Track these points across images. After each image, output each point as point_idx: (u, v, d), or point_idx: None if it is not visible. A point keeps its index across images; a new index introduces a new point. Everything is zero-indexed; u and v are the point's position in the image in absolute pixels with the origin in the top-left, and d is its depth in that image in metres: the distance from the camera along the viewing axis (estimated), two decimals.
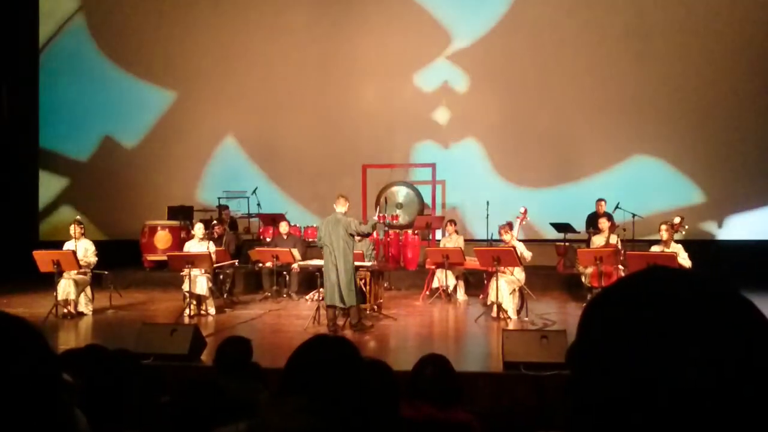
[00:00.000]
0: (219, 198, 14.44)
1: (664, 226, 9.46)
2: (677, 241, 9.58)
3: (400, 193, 14.26)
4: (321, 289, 10.09)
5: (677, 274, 0.85)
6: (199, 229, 10.71)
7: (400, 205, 14.09)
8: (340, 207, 8.92)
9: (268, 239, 12.80)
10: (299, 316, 9.90)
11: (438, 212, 14.36)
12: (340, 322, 8.89)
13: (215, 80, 15.57)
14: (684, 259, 9.15)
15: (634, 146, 14.19)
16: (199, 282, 9.99)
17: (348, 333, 8.55)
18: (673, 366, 0.76)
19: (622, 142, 14.24)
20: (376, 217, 9.83)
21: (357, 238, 9.08)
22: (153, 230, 13.69)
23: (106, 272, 10.97)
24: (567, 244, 12.83)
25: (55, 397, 1.07)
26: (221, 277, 11.05)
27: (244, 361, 4.15)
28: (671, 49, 14.11)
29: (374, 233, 10.21)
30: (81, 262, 9.95)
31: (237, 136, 15.58)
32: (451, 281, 11.24)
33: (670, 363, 0.76)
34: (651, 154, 14.15)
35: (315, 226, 12.99)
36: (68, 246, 10.22)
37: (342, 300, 8.62)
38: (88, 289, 10.25)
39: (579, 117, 14.44)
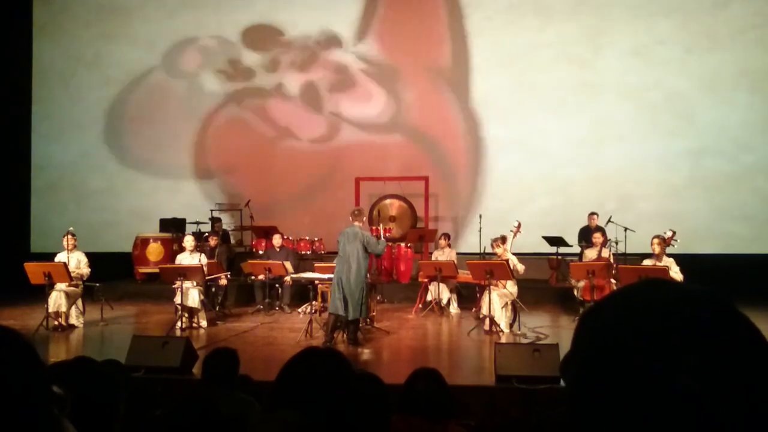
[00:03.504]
0: (212, 210, 14.42)
1: (655, 240, 9.49)
2: (669, 255, 9.61)
3: (393, 205, 14.26)
4: (314, 302, 10.10)
5: (670, 286, 0.86)
6: (188, 241, 10.68)
7: (393, 218, 14.09)
8: (357, 221, 8.99)
9: (260, 252, 12.78)
10: (292, 329, 9.86)
11: (431, 225, 14.37)
12: (336, 333, 8.87)
13: (204, 93, 15.61)
14: (676, 273, 9.18)
15: None
16: (191, 294, 9.95)
17: (341, 346, 8.53)
18: (666, 374, 0.76)
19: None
20: (384, 240, 9.77)
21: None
22: (145, 242, 13.66)
23: (97, 284, 10.90)
24: (559, 257, 12.85)
25: (44, 407, 1.06)
26: (213, 289, 11.01)
27: (231, 373, 4.12)
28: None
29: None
30: (73, 274, 9.90)
31: (229, 148, 15.58)
32: (444, 294, 11.23)
33: (663, 372, 0.77)
34: None
35: (307, 238, 13.00)
36: (61, 257, 10.17)
37: (347, 310, 8.60)
38: (80, 302, 10.20)
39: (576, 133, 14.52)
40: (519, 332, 9.54)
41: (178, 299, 9.87)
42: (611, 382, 0.79)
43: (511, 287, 9.78)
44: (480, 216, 13.05)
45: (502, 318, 9.56)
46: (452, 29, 15.13)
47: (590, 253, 10.71)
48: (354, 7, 15.34)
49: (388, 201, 14.29)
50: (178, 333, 9.39)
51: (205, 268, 10.15)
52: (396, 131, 15.08)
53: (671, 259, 9.46)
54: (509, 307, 9.76)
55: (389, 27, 15.27)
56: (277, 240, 12.32)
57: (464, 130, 15.00)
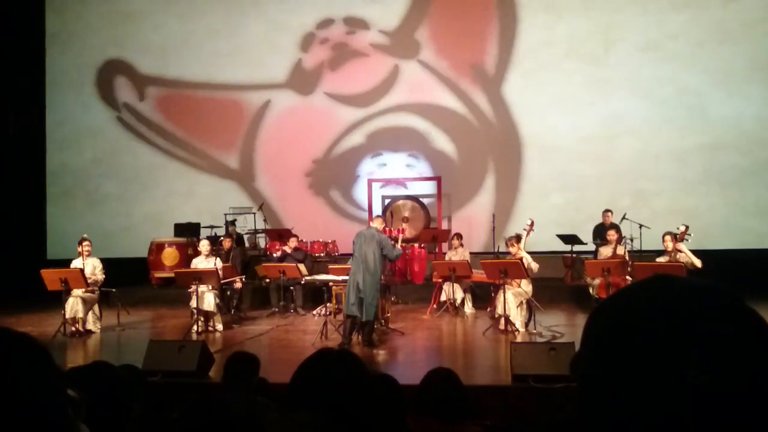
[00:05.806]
0: (225, 214, 14.47)
1: (667, 237, 9.46)
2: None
3: (406, 206, 14.26)
4: (328, 304, 10.11)
5: (678, 281, 0.85)
6: (204, 245, 10.72)
7: (406, 219, 14.09)
8: (376, 224, 9.09)
9: (275, 255, 12.81)
10: (306, 331, 9.88)
11: (444, 225, 14.35)
12: (353, 335, 8.87)
13: (217, 97, 15.66)
14: (694, 259, 9.14)
15: None
16: (207, 298, 9.98)
17: (357, 348, 8.53)
18: (675, 370, 0.76)
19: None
20: (400, 248, 9.79)
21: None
22: (160, 247, 13.72)
23: (113, 290, 10.97)
24: (574, 255, 12.80)
25: (60, 411, 1.07)
26: (228, 293, 11.05)
27: (251, 377, 4.14)
28: None
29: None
30: (89, 280, 9.96)
31: (242, 152, 15.63)
32: (459, 294, 11.21)
33: (672, 367, 0.77)
34: None
35: (321, 241, 13.01)
36: (76, 264, 10.23)
37: (360, 311, 8.61)
38: (96, 307, 10.25)
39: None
40: (534, 331, 9.51)
41: (193, 303, 9.91)
42: (621, 379, 0.79)
43: (526, 286, 9.76)
44: (493, 215, 13.03)
45: (518, 317, 9.53)
46: (464, 28, 15.12)
47: (605, 251, 10.64)
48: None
49: (401, 202, 14.30)
50: (194, 337, 9.43)
51: (220, 272, 10.18)
52: (407, 131, 15.08)
53: (684, 246, 9.36)
54: (524, 306, 9.73)
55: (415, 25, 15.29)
56: (291, 243, 12.33)
57: (476, 128, 14.96)
